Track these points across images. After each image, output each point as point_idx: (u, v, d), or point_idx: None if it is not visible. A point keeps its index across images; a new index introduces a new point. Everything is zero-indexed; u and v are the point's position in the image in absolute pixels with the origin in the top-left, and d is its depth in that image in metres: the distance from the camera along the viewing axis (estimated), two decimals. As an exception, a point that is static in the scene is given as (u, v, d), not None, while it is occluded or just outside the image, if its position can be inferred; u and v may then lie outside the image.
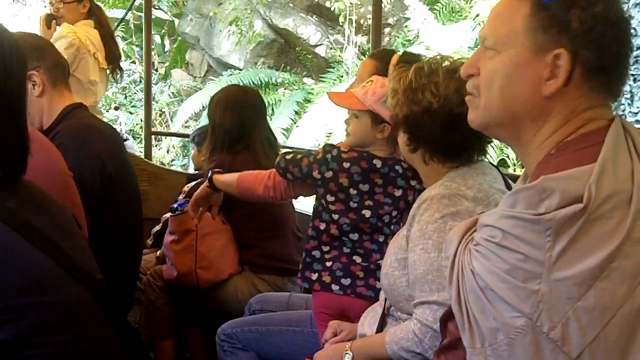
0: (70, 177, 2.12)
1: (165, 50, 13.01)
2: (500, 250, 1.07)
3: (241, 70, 11.63)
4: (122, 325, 1.58)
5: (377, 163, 2.16)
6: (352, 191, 2.17)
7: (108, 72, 3.79)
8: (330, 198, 2.20)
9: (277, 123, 10.17)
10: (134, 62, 12.37)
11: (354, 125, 2.18)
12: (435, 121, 1.73)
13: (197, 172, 3.95)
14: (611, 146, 1.09)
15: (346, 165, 2.17)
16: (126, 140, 4.47)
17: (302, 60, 11.74)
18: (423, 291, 1.68)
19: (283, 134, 9.97)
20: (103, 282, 1.53)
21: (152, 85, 11.99)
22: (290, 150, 2.34)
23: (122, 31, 11.52)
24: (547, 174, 1.07)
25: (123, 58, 4.03)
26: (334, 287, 2.20)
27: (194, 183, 3.47)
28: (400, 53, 2.51)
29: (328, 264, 2.22)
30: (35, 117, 2.49)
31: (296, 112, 10.53)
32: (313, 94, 10.69)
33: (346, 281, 2.19)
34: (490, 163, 1.89)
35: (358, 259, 2.20)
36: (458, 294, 1.14)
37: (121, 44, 11.69)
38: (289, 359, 2.35)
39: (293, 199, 2.48)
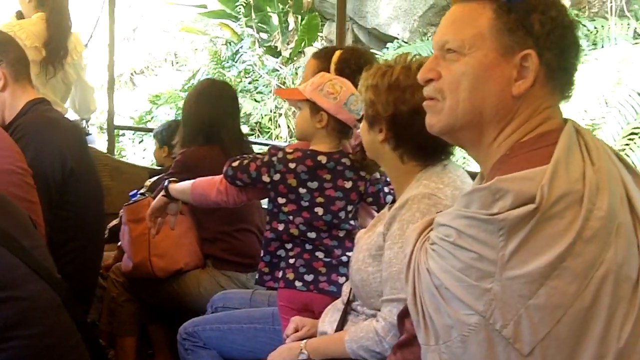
0: (28, 174, 2.10)
1: (289, 29, 10.78)
2: (454, 249, 1.09)
3: (407, 43, 9.26)
4: (82, 323, 1.58)
5: (322, 159, 2.19)
6: (302, 190, 2.19)
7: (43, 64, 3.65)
8: (281, 200, 2.22)
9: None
10: (252, 49, 10.71)
11: (298, 117, 2.24)
12: (422, 122, 1.70)
13: (160, 167, 3.94)
14: (564, 148, 1.12)
15: (292, 165, 2.19)
16: (88, 134, 4.41)
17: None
18: (394, 288, 1.68)
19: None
20: (62, 280, 1.54)
21: (280, 68, 10.03)
22: (236, 157, 2.32)
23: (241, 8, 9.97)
24: (501, 175, 1.09)
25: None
26: (297, 284, 2.21)
27: (155, 178, 3.46)
28: (341, 50, 2.54)
29: (291, 261, 2.23)
30: None
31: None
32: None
33: (309, 277, 2.20)
34: None
35: (320, 255, 2.22)
36: (414, 292, 1.16)
37: (233, 25, 10.62)
38: (251, 356, 2.35)
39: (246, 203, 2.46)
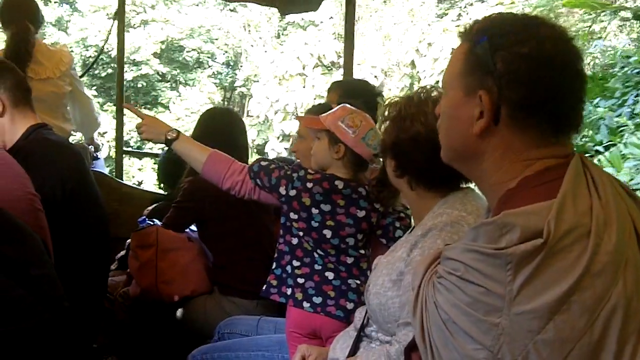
0: (37, 199, 2.11)
1: None
2: (462, 284, 1.09)
3: None
4: (89, 352, 1.58)
5: (339, 184, 2.21)
6: (314, 210, 2.21)
7: None
8: (293, 216, 2.24)
9: None
10: None
11: (316, 146, 2.26)
12: (422, 150, 1.76)
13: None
14: (570, 182, 1.12)
15: (309, 185, 2.21)
16: (97, 159, 4.43)
17: None
18: None
19: None
20: (70, 310, 1.53)
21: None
22: (267, 158, 2.36)
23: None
24: (508, 209, 1.10)
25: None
26: (305, 305, 2.22)
27: (154, 205, 3.49)
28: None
29: (300, 280, 2.24)
30: None
31: None
32: None
33: (317, 299, 2.22)
34: None
35: (330, 276, 2.22)
36: (422, 326, 1.16)
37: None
38: (259, 384, 2.35)
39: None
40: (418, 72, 12.68)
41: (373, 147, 2.19)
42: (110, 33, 4.64)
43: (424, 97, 1.80)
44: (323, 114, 2.25)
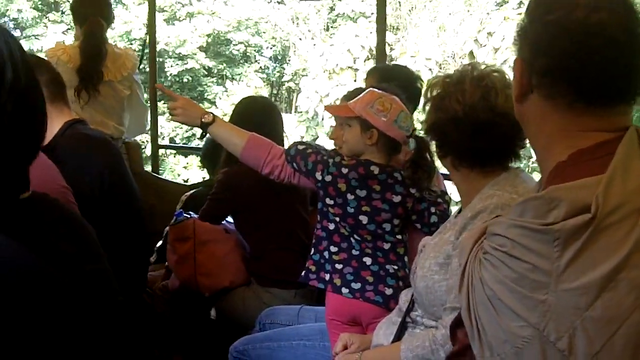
0: (69, 191, 2.12)
1: None
2: (508, 260, 1.07)
3: None
4: (140, 346, 1.57)
5: (375, 169, 2.20)
6: (350, 196, 2.21)
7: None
8: (329, 201, 2.25)
9: None
10: None
11: (347, 133, 2.24)
12: (461, 129, 1.74)
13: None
14: (622, 156, 1.09)
15: (345, 170, 2.21)
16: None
17: None
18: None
19: None
20: (124, 304, 1.52)
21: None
22: (303, 142, 2.36)
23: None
24: (557, 183, 1.08)
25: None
26: (344, 290, 2.22)
27: (191, 191, 3.52)
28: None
29: (338, 266, 2.24)
30: None
31: None
32: None
33: (356, 285, 2.22)
34: None
35: (368, 261, 2.22)
36: (468, 303, 1.14)
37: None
38: (301, 374, 2.35)
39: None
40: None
41: (405, 129, 2.18)
42: (148, 24, 4.68)
43: (462, 75, 1.78)
44: (351, 101, 2.24)
